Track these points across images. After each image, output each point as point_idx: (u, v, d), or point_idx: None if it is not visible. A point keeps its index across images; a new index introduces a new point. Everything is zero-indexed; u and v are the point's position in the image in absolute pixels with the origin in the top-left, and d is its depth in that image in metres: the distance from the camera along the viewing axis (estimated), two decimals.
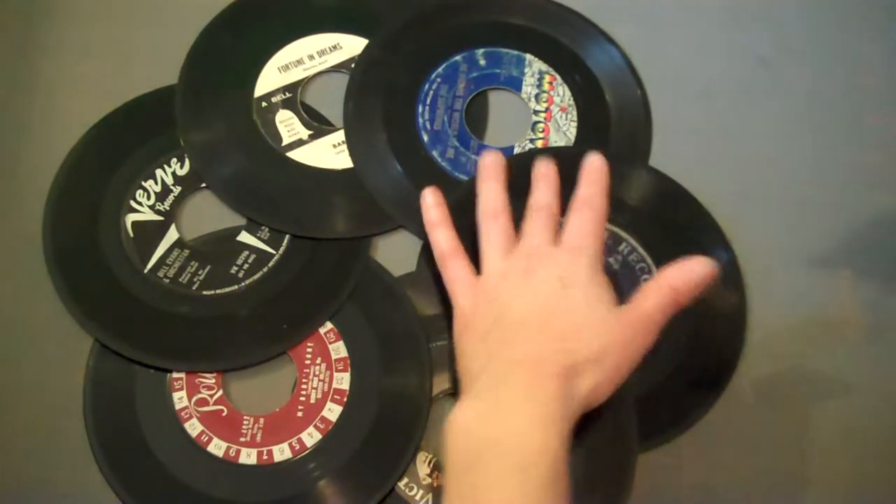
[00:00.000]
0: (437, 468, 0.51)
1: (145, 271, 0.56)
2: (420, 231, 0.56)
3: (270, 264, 0.57)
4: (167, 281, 0.56)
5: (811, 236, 0.59)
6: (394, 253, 0.58)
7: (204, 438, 0.52)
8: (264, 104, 0.61)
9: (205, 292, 0.56)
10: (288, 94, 0.62)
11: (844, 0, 0.66)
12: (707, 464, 0.52)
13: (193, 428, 0.52)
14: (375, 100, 0.61)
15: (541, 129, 0.61)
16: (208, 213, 0.59)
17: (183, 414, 0.52)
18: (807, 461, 0.53)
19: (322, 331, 0.55)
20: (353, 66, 0.62)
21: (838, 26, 0.66)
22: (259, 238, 0.58)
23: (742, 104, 0.63)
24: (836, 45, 0.65)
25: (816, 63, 0.65)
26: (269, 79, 0.62)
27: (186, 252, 0.57)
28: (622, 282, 0.55)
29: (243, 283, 0.56)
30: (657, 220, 0.58)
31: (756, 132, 0.62)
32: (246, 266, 0.57)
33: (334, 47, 0.63)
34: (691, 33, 0.65)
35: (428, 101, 0.61)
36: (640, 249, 0.57)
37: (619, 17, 0.65)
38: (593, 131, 0.61)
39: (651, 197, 0.58)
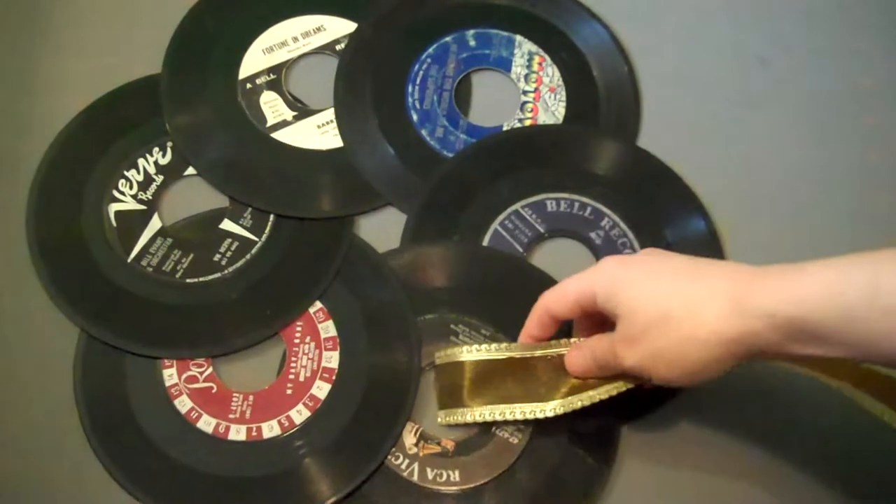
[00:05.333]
0: (423, 438, 0.57)
1: (129, 260, 0.62)
2: (406, 207, 0.63)
3: (254, 251, 0.63)
4: (151, 269, 0.62)
5: (811, 236, 0.64)
6: (378, 231, 0.64)
7: (193, 415, 0.58)
8: (249, 86, 0.68)
9: (189, 280, 0.62)
10: (272, 76, 0.68)
11: (844, 0, 0.72)
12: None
13: (183, 404, 0.58)
14: (365, 80, 0.68)
15: (529, 109, 0.68)
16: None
17: (173, 391, 0.58)
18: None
19: (311, 310, 0.61)
20: (343, 46, 0.68)
21: (838, 26, 0.72)
22: (242, 225, 0.64)
23: (742, 104, 0.69)
24: (836, 45, 0.71)
25: (816, 63, 0.70)
26: (254, 61, 0.69)
27: (169, 241, 0.63)
28: (603, 256, 0.62)
29: (227, 270, 0.62)
30: (640, 197, 0.64)
31: (755, 132, 0.68)
32: (229, 254, 0.63)
33: (318, 29, 0.70)
34: (691, 33, 0.71)
35: (418, 81, 0.68)
36: (622, 225, 0.63)
37: (619, 18, 0.71)
38: (582, 111, 0.68)
39: (635, 175, 0.65)
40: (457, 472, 0.56)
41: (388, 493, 0.56)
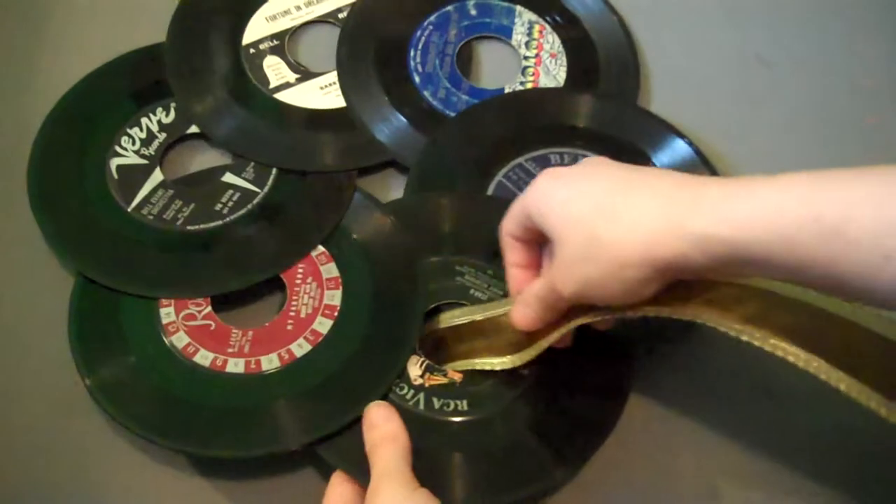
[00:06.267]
0: (428, 370, 0.56)
1: (129, 209, 0.62)
2: (411, 160, 0.64)
3: (256, 200, 0.63)
4: (151, 218, 0.62)
5: None
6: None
7: (190, 350, 0.57)
8: (252, 51, 0.69)
9: (189, 227, 0.62)
10: (275, 42, 0.70)
11: (844, 0, 0.74)
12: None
13: (180, 340, 0.57)
14: (367, 44, 0.69)
15: (531, 73, 0.70)
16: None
17: (170, 328, 0.57)
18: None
19: (314, 254, 0.60)
20: (345, 15, 0.71)
21: (838, 26, 0.73)
22: (244, 178, 0.64)
23: (742, 104, 0.70)
24: (836, 45, 0.73)
25: (816, 63, 0.72)
26: (257, 28, 0.70)
27: (171, 192, 0.63)
28: None
29: (228, 218, 0.62)
30: (640, 151, 0.65)
31: (755, 132, 0.69)
32: (231, 203, 0.63)
33: None
34: (691, 33, 0.73)
35: (419, 47, 0.70)
36: None
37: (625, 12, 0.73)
38: (582, 74, 0.70)
39: (635, 130, 0.66)
40: (464, 402, 0.55)
41: None
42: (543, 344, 0.52)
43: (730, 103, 0.70)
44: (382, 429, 0.51)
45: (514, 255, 0.53)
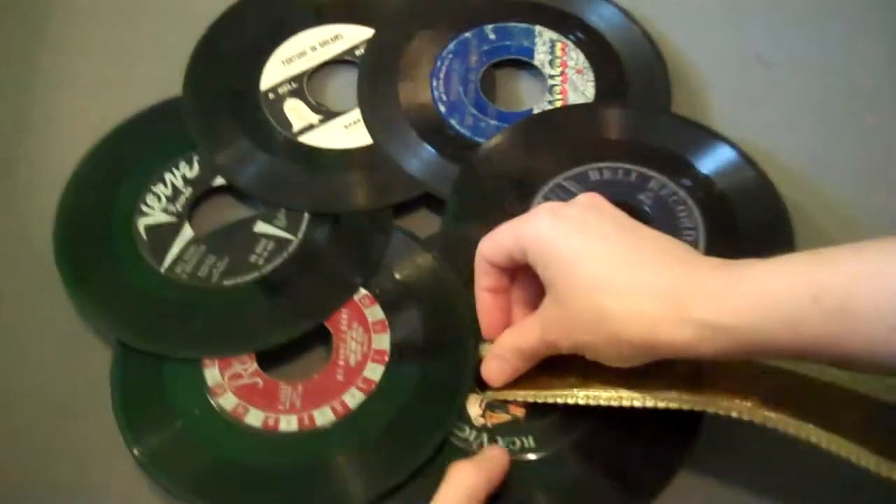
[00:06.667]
0: (489, 408, 0.54)
1: (162, 270, 0.61)
2: (445, 191, 0.62)
3: (291, 249, 0.61)
4: (186, 276, 0.60)
5: (810, 236, 0.63)
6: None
7: (240, 410, 0.54)
8: (271, 96, 0.68)
9: (226, 282, 0.60)
10: (294, 85, 0.68)
11: (844, 0, 0.73)
12: None
13: (228, 401, 0.55)
14: (388, 78, 0.68)
15: (558, 92, 0.68)
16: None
17: (216, 389, 0.55)
18: None
19: (356, 297, 0.58)
20: (363, 50, 0.69)
21: (838, 26, 0.72)
22: (276, 226, 0.62)
23: (742, 104, 0.69)
24: (836, 45, 0.72)
25: (816, 63, 0.71)
26: (274, 72, 0.69)
27: (203, 247, 0.62)
28: (656, 217, 0.60)
29: (265, 269, 0.61)
30: (681, 157, 0.63)
31: (755, 132, 0.67)
32: (265, 253, 0.61)
33: (335, 38, 0.71)
34: (691, 33, 0.72)
35: (441, 76, 0.68)
36: (672, 185, 0.62)
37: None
38: (611, 87, 0.68)
39: (673, 137, 0.64)
40: (531, 438, 0.53)
41: None
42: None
43: (730, 103, 0.68)
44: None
45: (488, 279, 0.53)
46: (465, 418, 0.53)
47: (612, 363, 0.47)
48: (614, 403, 0.49)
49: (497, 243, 0.51)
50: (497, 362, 0.52)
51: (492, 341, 0.54)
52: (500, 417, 0.53)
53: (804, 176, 0.64)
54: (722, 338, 0.42)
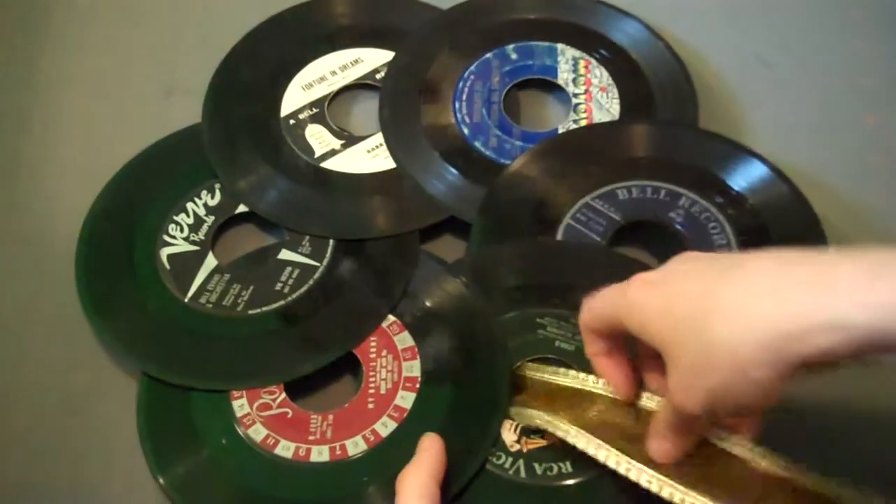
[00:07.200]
0: (524, 433, 0.53)
1: (186, 300, 0.60)
2: (470, 214, 0.61)
3: (316, 276, 0.61)
4: (210, 306, 0.60)
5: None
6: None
7: (270, 441, 0.53)
8: (292, 122, 0.67)
9: (251, 311, 0.59)
10: (315, 110, 0.68)
11: (844, 0, 0.73)
12: None
13: (257, 432, 0.54)
14: (409, 101, 0.67)
15: (583, 110, 0.67)
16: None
17: (245, 420, 0.54)
18: None
19: (384, 324, 0.58)
20: (382, 74, 0.69)
21: (838, 26, 0.72)
22: (301, 253, 0.62)
23: (742, 104, 0.69)
24: (836, 45, 0.71)
25: (816, 63, 0.71)
26: (295, 98, 0.68)
27: (227, 276, 0.61)
28: (688, 235, 0.60)
29: (290, 297, 0.60)
30: (712, 173, 0.62)
31: (755, 132, 0.67)
32: (291, 281, 0.60)
33: (355, 62, 0.70)
34: (691, 33, 0.71)
35: (464, 98, 0.68)
36: (703, 202, 0.61)
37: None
38: (637, 103, 0.67)
39: (702, 154, 0.63)
40: (568, 463, 0.51)
41: (494, 495, 0.51)
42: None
43: (730, 103, 0.68)
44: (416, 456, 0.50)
45: (596, 346, 0.49)
46: (500, 445, 0.52)
47: (750, 404, 0.41)
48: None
49: (595, 314, 0.47)
50: (657, 441, 0.47)
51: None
52: (536, 442, 0.52)
53: (803, 176, 0.63)
54: (863, 337, 0.35)
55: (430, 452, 0.49)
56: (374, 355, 0.56)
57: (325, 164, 0.65)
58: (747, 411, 0.45)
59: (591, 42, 0.70)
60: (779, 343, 0.37)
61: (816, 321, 0.36)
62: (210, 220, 0.63)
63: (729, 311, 0.39)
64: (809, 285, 0.37)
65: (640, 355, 0.49)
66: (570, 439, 0.47)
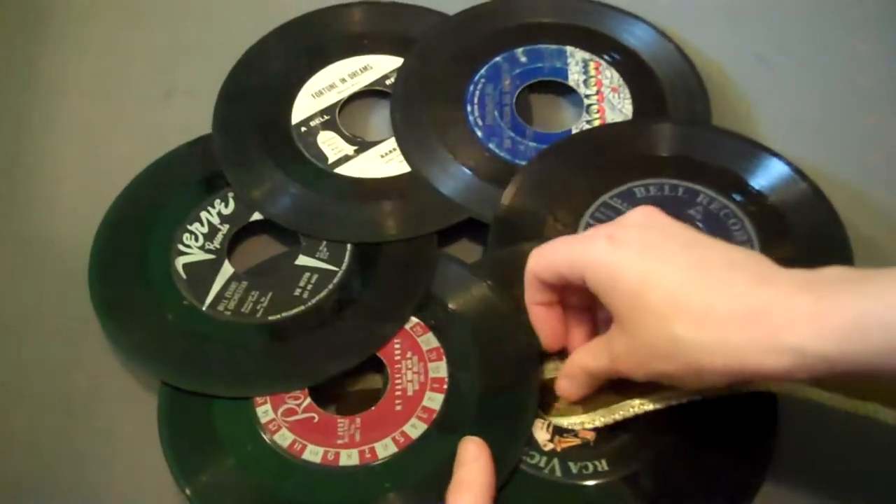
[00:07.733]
0: (557, 433, 0.52)
1: (204, 308, 0.59)
2: (488, 215, 0.61)
3: (336, 280, 0.60)
4: (229, 314, 0.59)
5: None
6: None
7: (297, 447, 0.53)
8: (304, 129, 0.67)
9: (271, 317, 0.59)
10: (326, 117, 0.67)
11: (844, 0, 0.74)
12: None
13: (284, 438, 0.53)
14: (421, 105, 0.67)
15: (595, 111, 0.67)
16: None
17: (270, 426, 0.53)
18: None
19: (407, 326, 0.57)
20: (392, 80, 0.69)
21: (838, 26, 0.73)
22: (318, 258, 0.61)
23: (742, 104, 0.69)
24: (836, 45, 0.72)
25: (816, 63, 0.71)
26: (305, 105, 0.68)
27: (244, 283, 0.60)
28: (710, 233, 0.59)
29: (310, 302, 0.59)
30: (729, 174, 0.62)
31: (755, 132, 0.67)
32: (310, 286, 0.60)
33: (364, 68, 0.70)
34: (691, 33, 0.72)
35: (475, 101, 0.67)
36: (721, 198, 0.61)
37: None
38: (649, 103, 0.67)
39: (717, 151, 0.63)
40: (603, 461, 0.51)
41: (530, 494, 0.50)
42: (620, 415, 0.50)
43: (729, 103, 0.68)
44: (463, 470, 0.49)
45: (539, 295, 0.51)
46: (533, 444, 0.51)
47: (694, 388, 0.46)
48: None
49: (549, 263, 0.48)
50: (568, 381, 0.50)
51: (558, 356, 0.52)
52: (570, 441, 0.52)
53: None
54: (820, 364, 0.38)
55: (478, 465, 0.48)
56: (398, 357, 0.55)
57: (339, 170, 0.64)
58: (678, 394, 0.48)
59: (600, 44, 0.70)
60: (736, 357, 0.40)
61: (769, 342, 0.39)
62: (224, 228, 0.62)
63: (700, 316, 0.41)
64: (770, 309, 0.39)
65: (571, 304, 0.51)
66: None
